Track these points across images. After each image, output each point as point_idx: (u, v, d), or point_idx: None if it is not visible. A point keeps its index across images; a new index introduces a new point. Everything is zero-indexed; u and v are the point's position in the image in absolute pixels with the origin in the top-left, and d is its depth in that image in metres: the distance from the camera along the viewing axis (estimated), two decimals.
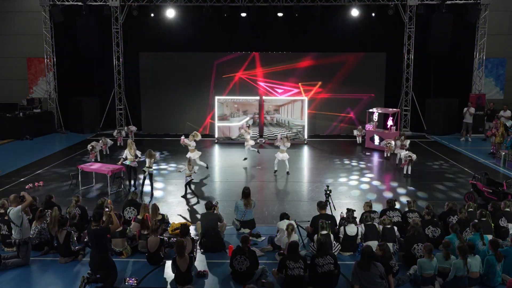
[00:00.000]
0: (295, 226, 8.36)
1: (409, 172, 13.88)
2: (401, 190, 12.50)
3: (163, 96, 21.18)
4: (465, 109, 19.17)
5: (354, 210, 8.88)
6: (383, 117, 19.22)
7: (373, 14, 20.27)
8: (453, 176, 13.86)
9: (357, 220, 8.79)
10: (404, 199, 11.43)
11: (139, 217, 8.89)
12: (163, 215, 9.40)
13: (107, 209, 8.28)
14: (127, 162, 12.22)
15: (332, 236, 8.13)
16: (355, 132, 19.11)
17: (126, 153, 12.28)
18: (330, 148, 18.31)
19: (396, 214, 9.19)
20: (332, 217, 8.83)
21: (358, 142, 18.84)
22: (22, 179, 13.36)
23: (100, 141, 16.12)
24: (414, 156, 13.95)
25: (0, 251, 8.43)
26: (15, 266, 7.90)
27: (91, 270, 7.33)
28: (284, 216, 8.85)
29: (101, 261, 7.27)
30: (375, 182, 13.29)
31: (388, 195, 11.95)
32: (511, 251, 7.49)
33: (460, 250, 7.14)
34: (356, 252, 8.31)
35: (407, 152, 14.32)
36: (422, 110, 21.28)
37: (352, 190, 12.53)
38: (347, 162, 15.81)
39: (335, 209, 9.95)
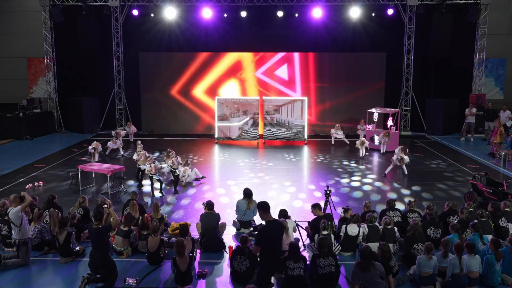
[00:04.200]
0: (293, 225, 8.36)
1: (406, 173, 13.88)
2: (399, 190, 12.49)
3: (163, 96, 21.20)
4: (467, 109, 19.21)
5: (348, 207, 8.99)
6: (383, 117, 19.23)
7: (373, 14, 20.28)
8: (453, 176, 13.86)
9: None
10: (397, 198, 11.43)
11: (131, 212, 8.88)
12: (162, 215, 9.42)
13: (105, 206, 8.28)
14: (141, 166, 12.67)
15: (332, 236, 8.13)
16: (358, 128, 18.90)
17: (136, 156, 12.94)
18: (330, 148, 18.33)
19: (396, 214, 9.19)
20: (331, 217, 8.82)
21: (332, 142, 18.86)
22: (22, 179, 13.37)
23: (96, 142, 15.97)
24: (406, 158, 13.89)
25: (0, 251, 8.44)
26: (15, 266, 7.91)
27: (91, 270, 7.33)
28: (282, 212, 8.81)
29: (101, 260, 7.28)
30: (373, 182, 13.29)
31: (387, 195, 11.93)
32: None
33: (455, 248, 7.14)
34: (356, 252, 8.31)
35: (398, 152, 14.45)
36: (422, 110, 21.29)
37: (351, 190, 12.53)
38: (346, 162, 15.83)
39: (335, 209, 9.95)
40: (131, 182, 13.08)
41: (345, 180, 13.48)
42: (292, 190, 12.43)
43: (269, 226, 6.05)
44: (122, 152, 16.88)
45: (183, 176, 12.83)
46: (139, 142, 14.13)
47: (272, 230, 6.04)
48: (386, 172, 14.02)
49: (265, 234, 6.02)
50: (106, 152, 16.59)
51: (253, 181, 13.39)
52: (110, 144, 16.75)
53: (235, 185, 12.94)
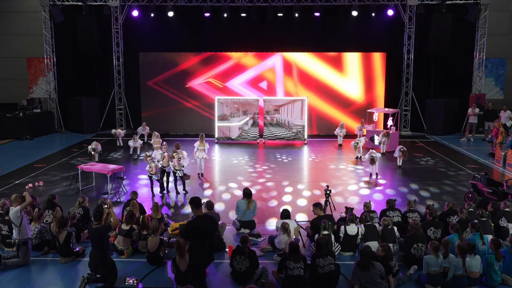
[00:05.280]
0: (292, 226, 8.36)
1: (376, 171, 13.68)
2: (394, 190, 12.50)
3: (163, 96, 21.19)
4: (470, 109, 19.23)
5: (352, 208, 8.94)
6: (383, 117, 19.22)
7: (373, 14, 20.28)
8: (453, 176, 13.85)
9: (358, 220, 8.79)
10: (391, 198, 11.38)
11: (128, 209, 8.89)
12: (162, 215, 9.41)
13: (106, 206, 8.28)
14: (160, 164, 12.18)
15: (332, 236, 8.14)
16: (356, 128, 18.90)
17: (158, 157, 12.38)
18: (330, 147, 18.32)
19: (396, 214, 9.19)
20: (331, 217, 8.82)
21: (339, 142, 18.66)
22: (22, 179, 13.36)
23: (96, 142, 15.91)
24: (377, 155, 13.64)
25: (0, 251, 8.44)
26: (15, 266, 7.90)
27: (91, 270, 7.33)
28: (284, 212, 8.81)
29: (101, 260, 7.28)
30: (371, 183, 13.28)
31: (383, 195, 11.92)
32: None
33: (459, 249, 7.15)
34: (356, 252, 8.31)
35: (397, 153, 14.64)
36: (422, 110, 21.29)
37: (350, 191, 12.53)
38: (344, 164, 15.82)
39: (335, 209, 9.95)
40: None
41: (351, 182, 13.46)
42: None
43: (197, 220, 6.11)
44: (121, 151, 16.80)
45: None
46: (164, 143, 13.93)
47: (200, 224, 6.08)
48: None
49: (192, 228, 6.07)
50: (130, 151, 16.66)
51: (256, 185, 13.38)
52: (131, 142, 16.69)
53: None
